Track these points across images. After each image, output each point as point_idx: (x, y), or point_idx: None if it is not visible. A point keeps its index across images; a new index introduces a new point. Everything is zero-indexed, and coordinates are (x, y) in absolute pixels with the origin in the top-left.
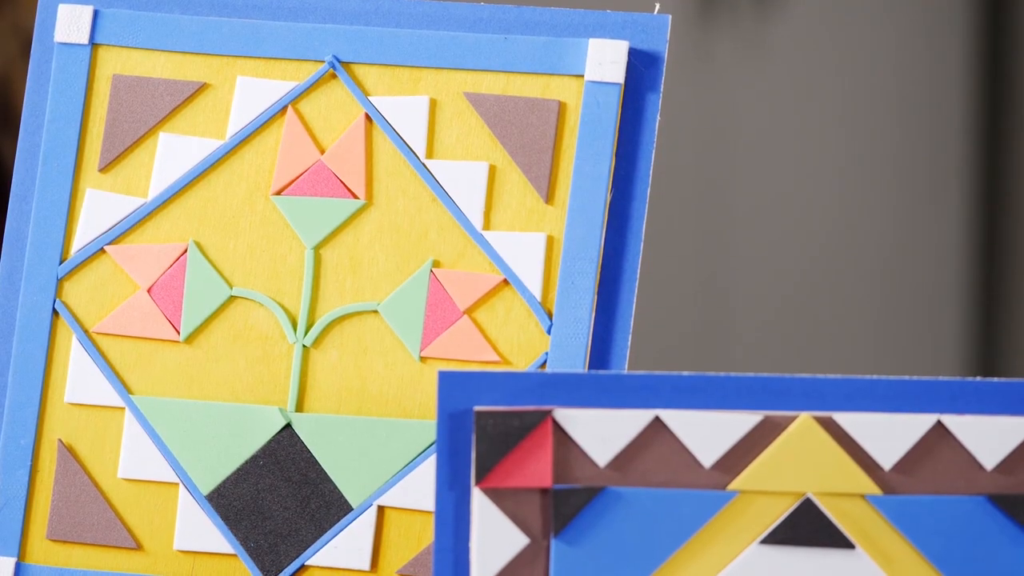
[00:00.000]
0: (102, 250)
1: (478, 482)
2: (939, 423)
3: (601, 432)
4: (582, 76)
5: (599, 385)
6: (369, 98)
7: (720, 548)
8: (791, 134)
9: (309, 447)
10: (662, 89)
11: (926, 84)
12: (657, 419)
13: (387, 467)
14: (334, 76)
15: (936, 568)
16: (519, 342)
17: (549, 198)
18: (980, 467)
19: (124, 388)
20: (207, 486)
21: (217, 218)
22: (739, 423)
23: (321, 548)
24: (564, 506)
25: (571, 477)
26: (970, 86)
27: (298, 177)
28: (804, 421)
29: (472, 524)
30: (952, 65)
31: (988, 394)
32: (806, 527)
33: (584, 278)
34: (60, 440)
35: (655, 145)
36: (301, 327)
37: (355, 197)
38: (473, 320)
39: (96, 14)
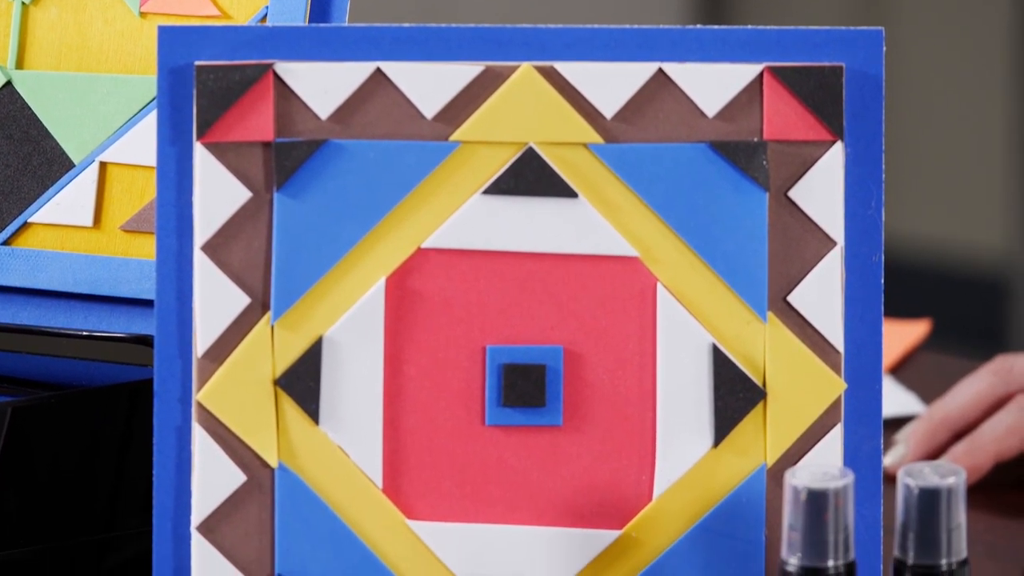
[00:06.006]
0: None
1: (200, 137)
2: (660, 71)
3: (323, 85)
4: None
5: (320, 37)
6: None
7: (443, 199)
8: None
9: (30, 104)
10: None
11: None
12: (379, 71)
13: (109, 123)
14: None
15: (658, 214)
16: None
17: None
18: (701, 114)
19: None
20: None
21: None
22: (460, 74)
23: (44, 205)
24: (286, 159)
25: (293, 130)
26: None
27: None
28: (525, 71)
29: (195, 179)
30: None
31: (709, 42)
32: (528, 176)
33: None
34: None
35: None
36: None
37: None
38: None
39: None
